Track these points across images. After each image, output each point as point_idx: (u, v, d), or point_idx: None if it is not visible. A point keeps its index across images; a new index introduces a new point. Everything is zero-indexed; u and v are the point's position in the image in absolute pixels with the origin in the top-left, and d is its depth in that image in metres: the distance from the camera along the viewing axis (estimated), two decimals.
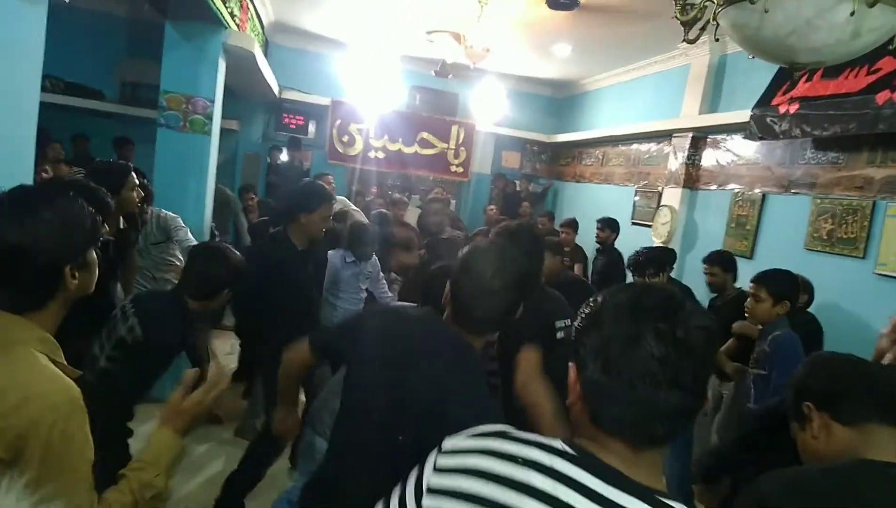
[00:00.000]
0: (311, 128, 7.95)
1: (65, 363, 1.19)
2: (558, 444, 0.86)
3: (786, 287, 2.82)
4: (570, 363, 0.91)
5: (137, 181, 3.00)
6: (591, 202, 7.27)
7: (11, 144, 1.72)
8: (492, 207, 7.44)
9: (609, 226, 5.51)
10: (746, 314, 2.91)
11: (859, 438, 1.30)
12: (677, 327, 0.81)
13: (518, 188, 8.28)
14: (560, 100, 8.59)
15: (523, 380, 2.08)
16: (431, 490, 0.90)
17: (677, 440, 2.55)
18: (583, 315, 0.90)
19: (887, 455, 1.26)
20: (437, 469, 0.91)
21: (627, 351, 0.82)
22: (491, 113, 7.13)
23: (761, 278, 2.84)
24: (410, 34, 6.47)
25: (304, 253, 3.04)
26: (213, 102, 4.36)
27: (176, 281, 3.62)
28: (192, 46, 4.26)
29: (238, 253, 2.36)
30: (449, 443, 0.94)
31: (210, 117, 4.36)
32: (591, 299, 0.91)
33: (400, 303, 2.57)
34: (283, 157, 7.81)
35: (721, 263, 3.84)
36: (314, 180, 4.49)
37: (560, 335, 2.33)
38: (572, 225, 5.92)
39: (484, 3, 4.93)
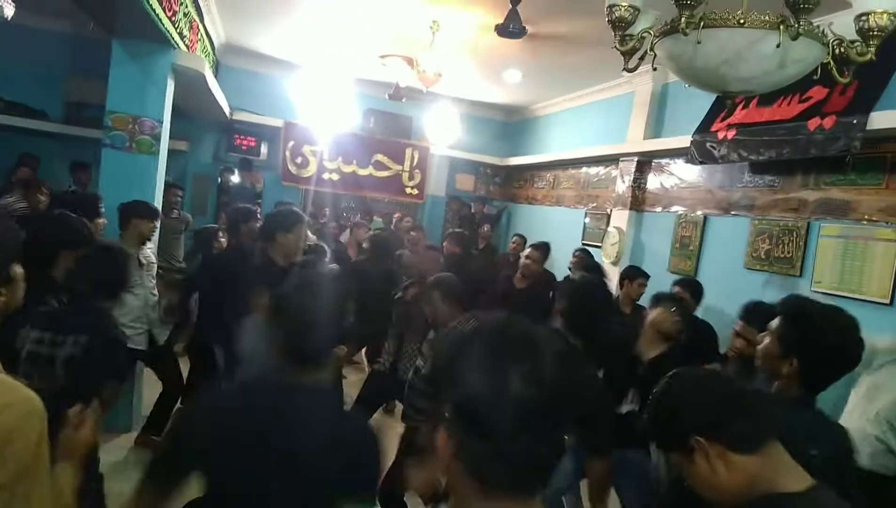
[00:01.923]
0: (264, 149, 7.87)
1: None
2: None
3: None
4: (436, 428, 0.82)
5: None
6: (543, 224, 7.41)
7: None
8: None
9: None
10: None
11: (762, 463, 1.16)
12: (541, 366, 0.76)
13: (473, 210, 8.37)
14: (512, 124, 8.76)
15: None
16: None
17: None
18: (435, 360, 0.86)
19: (793, 479, 1.16)
20: None
21: (496, 406, 0.75)
22: (445, 136, 7.21)
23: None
24: (364, 57, 6.52)
25: (285, 271, 3.06)
26: (160, 122, 4.28)
27: None
28: (140, 66, 4.19)
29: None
30: None
31: (158, 138, 4.27)
32: (430, 341, 0.87)
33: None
34: (235, 178, 7.70)
35: (689, 287, 3.94)
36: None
37: None
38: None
39: (436, 30, 5.02)
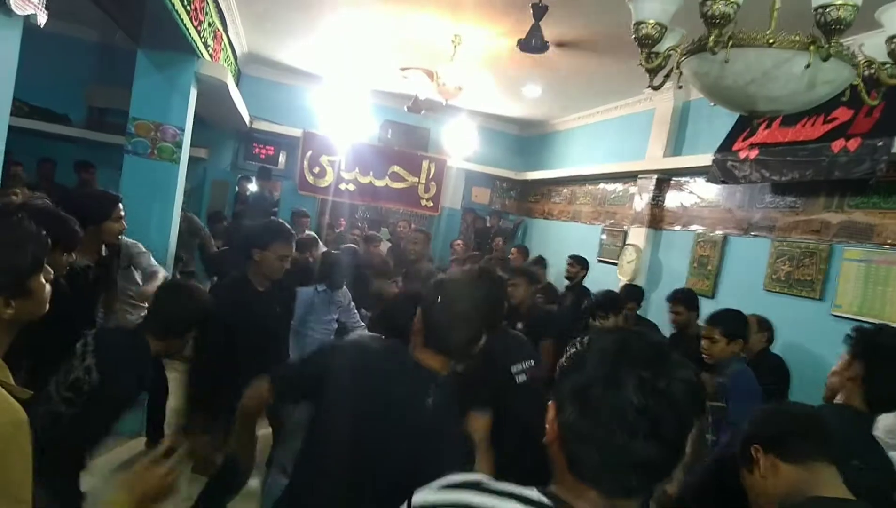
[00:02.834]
0: (282, 158, 7.93)
1: (13, 383, 1.13)
2: (535, 495, 0.84)
3: (737, 326, 2.96)
4: (550, 402, 0.89)
5: (123, 212, 2.99)
6: (559, 239, 7.37)
7: None
8: (458, 241, 7.47)
9: (579, 263, 5.58)
10: (703, 355, 2.97)
11: (805, 475, 1.36)
12: (660, 378, 0.79)
13: (489, 224, 8.35)
14: (529, 138, 8.76)
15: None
16: None
17: (652, 494, 2.57)
18: (568, 355, 0.90)
19: (832, 490, 1.33)
20: None
21: (606, 397, 0.80)
22: (461, 149, 7.23)
23: (713, 320, 2.97)
24: (384, 69, 6.56)
25: (268, 294, 2.97)
26: (182, 130, 4.33)
27: (131, 309, 3.56)
28: (164, 75, 4.24)
29: (205, 292, 2.32)
30: (419, 497, 0.90)
31: (179, 145, 4.32)
32: (577, 341, 0.91)
33: (365, 335, 2.55)
34: (252, 186, 7.76)
35: (685, 301, 3.94)
36: (281, 219, 4.51)
37: (521, 378, 2.34)
38: (540, 263, 6.02)
39: (457, 43, 5.04)
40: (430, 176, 7.96)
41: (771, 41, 1.75)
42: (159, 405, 3.88)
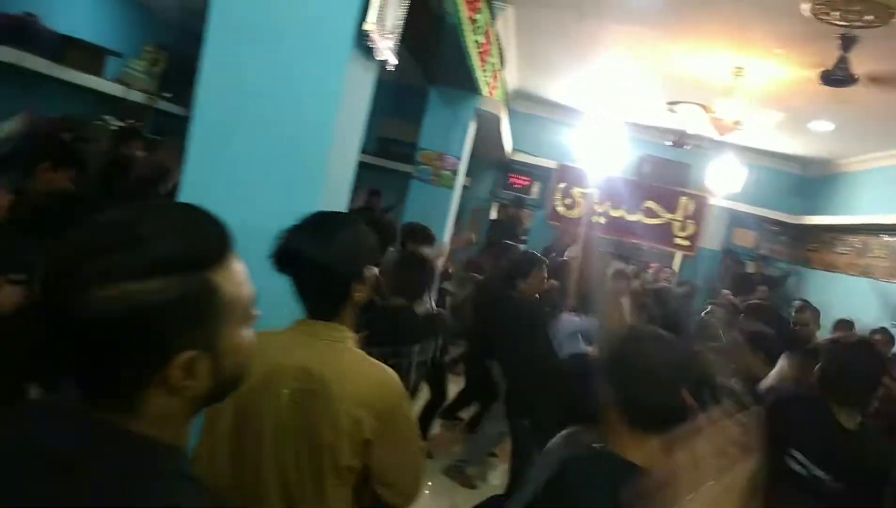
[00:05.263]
0: (535, 189, 8.20)
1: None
2: None
3: None
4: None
5: None
6: (843, 295, 6.37)
7: (338, 193, 2.03)
8: (726, 293, 6.86)
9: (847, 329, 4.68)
10: None
11: None
12: None
13: (751, 269, 7.60)
14: (811, 179, 7.78)
15: None
16: None
17: None
18: None
19: None
20: None
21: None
22: (726, 187, 6.71)
23: None
24: (647, 103, 6.43)
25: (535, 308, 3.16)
26: (460, 159, 4.75)
27: None
28: (450, 109, 4.71)
29: None
30: None
31: (456, 173, 4.74)
32: None
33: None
34: (506, 214, 8.15)
35: None
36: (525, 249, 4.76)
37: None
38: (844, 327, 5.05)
39: (739, 76, 4.73)
40: (689, 214, 7.54)
41: None
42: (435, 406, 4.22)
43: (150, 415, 0.67)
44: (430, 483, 3.62)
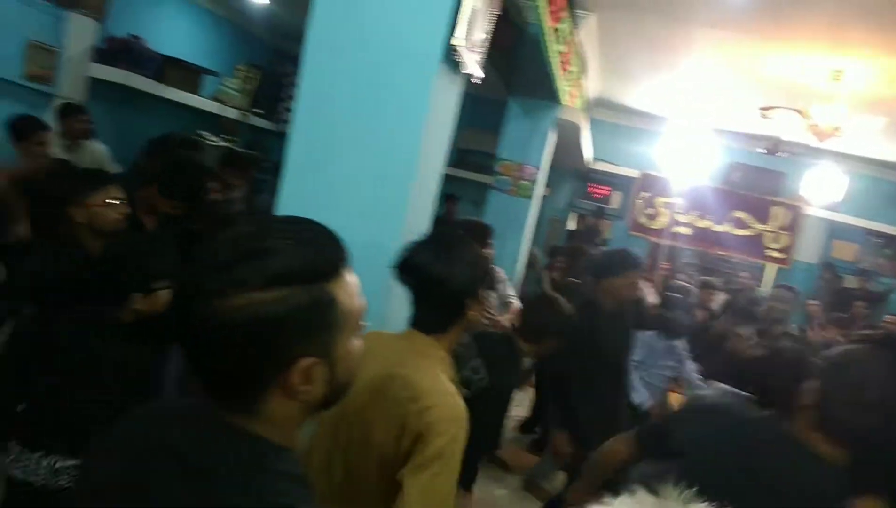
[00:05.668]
0: (615, 199, 8.02)
1: (456, 381, 1.38)
2: None
3: None
4: None
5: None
6: None
7: (424, 205, 2.08)
8: (814, 302, 6.49)
9: None
10: None
11: None
12: None
13: (852, 284, 7.11)
14: None
15: None
16: None
17: None
18: None
19: None
20: None
21: None
22: (825, 196, 6.31)
23: None
24: (737, 109, 6.16)
25: (613, 315, 3.01)
26: (539, 169, 4.72)
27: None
28: (529, 119, 4.70)
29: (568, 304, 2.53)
30: None
31: (534, 183, 4.71)
32: None
33: (732, 397, 2.38)
34: (585, 224, 8.01)
35: None
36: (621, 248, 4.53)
37: None
38: None
39: (838, 80, 4.46)
40: (782, 224, 7.14)
41: None
42: None
43: (268, 418, 0.71)
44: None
